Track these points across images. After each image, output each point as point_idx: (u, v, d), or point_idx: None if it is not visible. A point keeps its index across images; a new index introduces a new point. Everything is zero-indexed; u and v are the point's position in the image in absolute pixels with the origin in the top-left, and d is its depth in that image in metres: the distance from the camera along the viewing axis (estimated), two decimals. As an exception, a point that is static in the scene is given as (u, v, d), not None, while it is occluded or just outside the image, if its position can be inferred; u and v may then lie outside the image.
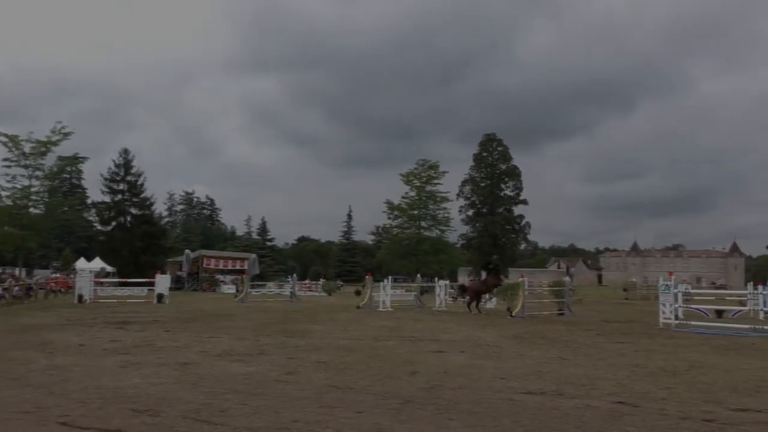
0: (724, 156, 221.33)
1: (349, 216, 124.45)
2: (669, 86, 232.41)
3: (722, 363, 10.09)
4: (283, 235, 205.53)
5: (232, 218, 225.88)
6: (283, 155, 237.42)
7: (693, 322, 17.24)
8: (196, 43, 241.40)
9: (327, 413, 6.08)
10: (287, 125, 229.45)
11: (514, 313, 21.13)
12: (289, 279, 38.24)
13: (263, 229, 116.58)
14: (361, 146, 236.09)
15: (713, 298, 24.01)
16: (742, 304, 20.96)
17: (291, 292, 34.84)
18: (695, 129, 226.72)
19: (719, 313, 20.42)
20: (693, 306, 19.54)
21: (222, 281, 52.71)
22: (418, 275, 36.03)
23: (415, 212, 71.25)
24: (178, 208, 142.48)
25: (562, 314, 22.40)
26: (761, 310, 17.13)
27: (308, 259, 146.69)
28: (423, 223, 71.60)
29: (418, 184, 70.92)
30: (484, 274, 25.20)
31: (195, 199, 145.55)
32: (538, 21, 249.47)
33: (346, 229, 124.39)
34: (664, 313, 17.47)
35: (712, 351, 11.85)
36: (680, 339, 14.19)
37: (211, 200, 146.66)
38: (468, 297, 24.67)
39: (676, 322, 17.12)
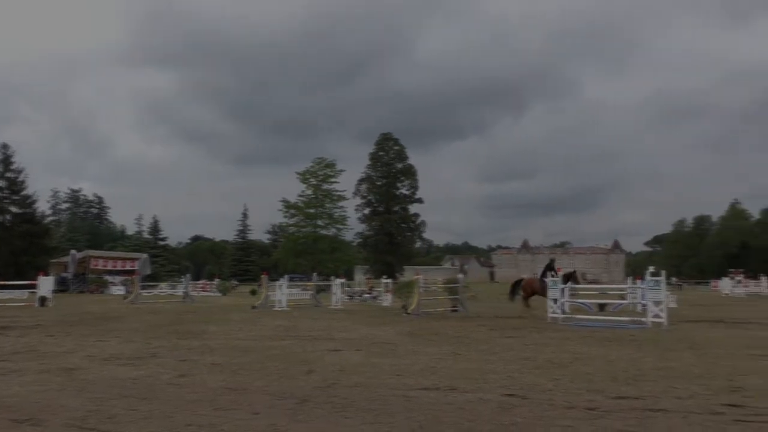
0: (609, 157, 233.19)
1: (245, 214, 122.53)
2: (559, 89, 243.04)
3: (604, 354, 10.62)
4: (176, 235, 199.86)
5: (123, 217, 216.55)
6: (176, 152, 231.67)
7: (578, 316, 18.04)
8: (86, 36, 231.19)
9: (222, 416, 5.98)
10: (181, 121, 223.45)
11: (409, 311, 21.43)
12: (183, 279, 37.25)
13: (155, 228, 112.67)
14: (258, 143, 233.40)
15: (597, 292, 25.18)
16: (623, 297, 22.07)
17: (184, 293, 33.96)
18: (582, 130, 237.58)
19: (602, 307, 21.45)
20: (578, 300, 20.41)
21: (111, 282, 50.70)
22: (315, 274, 35.96)
23: (312, 211, 71.13)
24: (63, 206, 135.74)
25: (456, 311, 22.90)
26: (639, 303, 18.10)
27: (203, 259, 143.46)
28: (319, 222, 71.59)
29: (315, 183, 70.83)
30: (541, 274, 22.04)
31: (82, 197, 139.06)
32: (436, 22, 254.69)
33: (241, 228, 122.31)
34: (551, 307, 18.21)
35: (595, 343, 12.44)
36: (566, 332, 14.81)
37: (100, 198, 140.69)
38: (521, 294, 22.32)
39: (563, 316, 17.87)
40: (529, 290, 21.98)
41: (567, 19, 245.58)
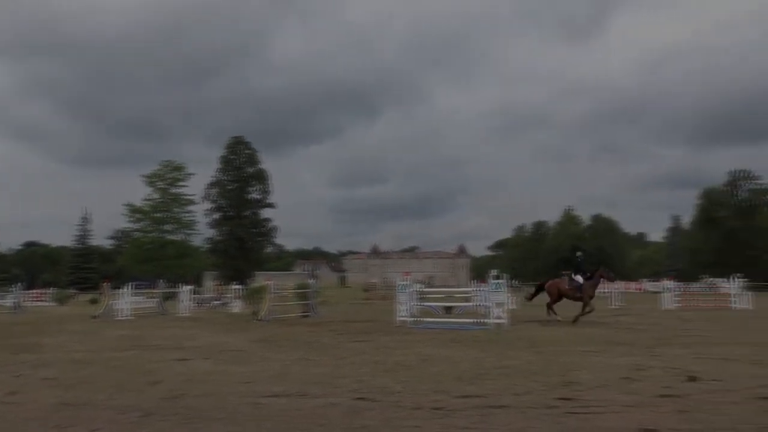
0: (456, 164, 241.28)
1: (85, 219, 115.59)
2: (411, 96, 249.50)
3: (450, 355, 11.02)
4: (7, 240, 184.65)
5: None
6: (5, 150, 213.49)
7: (426, 319, 18.57)
8: None
9: (57, 433, 5.63)
10: (11, 117, 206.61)
11: (260, 317, 21.17)
12: (13, 289, 34.61)
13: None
14: (100, 143, 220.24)
15: (443, 295, 26.06)
16: (467, 300, 22.97)
17: (14, 303, 31.59)
18: (432, 138, 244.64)
19: (448, 310, 22.22)
20: (426, 303, 21.02)
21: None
22: (162, 281, 34.67)
23: (159, 215, 68.52)
24: None
25: (307, 316, 22.88)
26: (483, 305, 18.93)
27: (37, 266, 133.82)
28: (167, 227, 69.08)
29: (163, 186, 68.29)
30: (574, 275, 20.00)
31: None
32: (292, 24, 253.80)
33: (81, 233, 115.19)
34: (400, 311, 18.64)
35: (441, 344, 12.87)
36: (415, 335, 15.22)
37: None
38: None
39: (412, 319, 18.33)
40: (555, 293, 20.05)
41: (420, 29, 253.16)
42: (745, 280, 28.44)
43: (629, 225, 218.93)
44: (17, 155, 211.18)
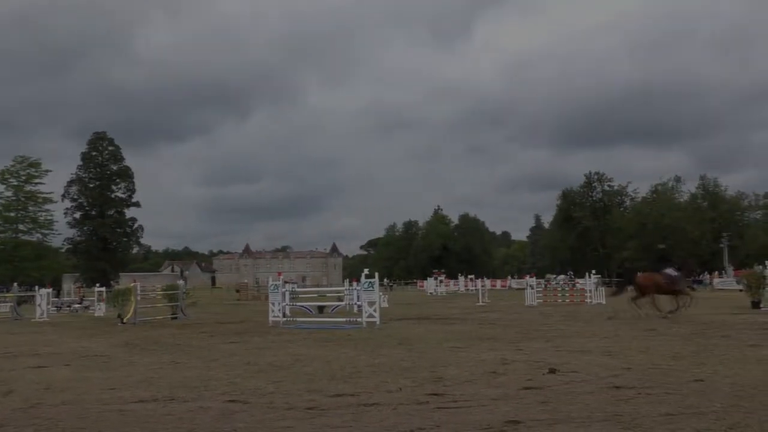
0: (328, 164, 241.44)
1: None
2: (282, 95, 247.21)
3: (323, 354, 11.04)
4: None
5: None
6: None
7: (299, 319, 18.51)
8: None
9: None
10: None
11: (125, 320, 20.33)
12: None
13: None
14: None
15: (316, 295, 26.08)
16: (340, 299, 23.10)
17: None
18: (306, 137, 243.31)
19: (321, 309, 22.28)
20: (299, 303, 20.96)
21: None
22: (15, 284, 32.54)
23: (12, 214, 64.36)
24: None
25: (176, 318, 22.24)
26: (355, 304, 19.10)
27: None
28: (22, 227, 65.11)
29: (16, 184, 64.21)
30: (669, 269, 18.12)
31: None
32: (157, 17, 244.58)
33: None
34: (273, 311, 18.48)
35: (314, 344, 12.88)
36: (288, 335, 15.13)
37: None
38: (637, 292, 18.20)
39: (284, 319, 18.23)
40: (651, 287, 17.95)
41: (293, 26, 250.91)
42: (599, 276, 30.38)
43: (495, 224, 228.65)
44: None
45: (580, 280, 31.79)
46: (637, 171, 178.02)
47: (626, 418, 5.57)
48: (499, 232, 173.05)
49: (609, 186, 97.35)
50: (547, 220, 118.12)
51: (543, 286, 39.04)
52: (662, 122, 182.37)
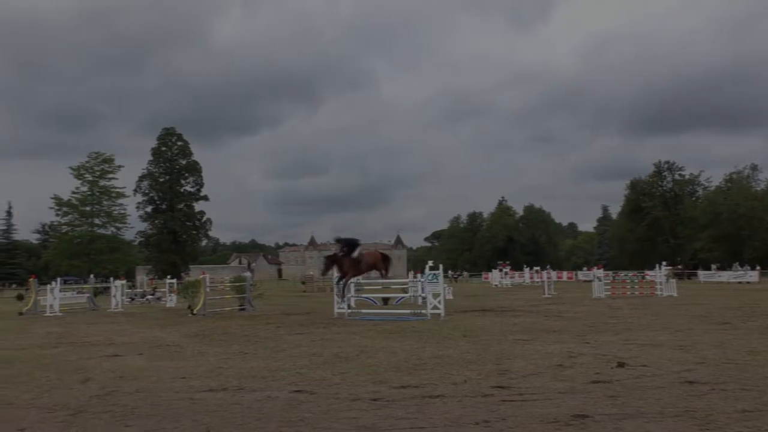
0: (395, 154, 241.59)
1: (9, 213, 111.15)
2: (352, 85, 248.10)
3: (387, 346, 11.08)
4: None
5: None
6: None
7: (364, 310, 18.63)
8: None
9: (-18, 435, 5.43)
10: None
11: (195, 311, 20.84)
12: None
13: None
14: (25, 133, 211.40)
15: (381, 287, 26.16)
16: (404, 291, 23.11)
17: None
18: (374, 127, 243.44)
19: (385, 301, 22.34)
20: (363, 295, 21.07)
21: None
22: (92, 276, 33.75)
23: (88, 209, 66.56)
24: None
25: (243, 309, 22.66)
26: (419, 296, 19.09)
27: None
28: (97, 220, 67.24)
29: (91, 179, 66.33)
30: None
31: None
32: (231, 8, 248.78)
33: (5, 228, 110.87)
34: (338, 303, 18.64)
35: (379, 335, 12.94)
36: (352, 327, 15.25)
37: None
38: None
39: (349, 311, 18.36)
40: None
41: (365, 14, 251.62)
42: (671, 268, 29.52)
43: (561, 215, 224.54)
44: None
45: (650, 272, 30.98)
46: (711, 158, 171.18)
47: (700, 414, 5.41)
48: (565, 223, 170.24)
49: (680, 175, 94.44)
50: (615, 210, 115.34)
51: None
52: (739, 107, 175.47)
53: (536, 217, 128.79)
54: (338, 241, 19.74)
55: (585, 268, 62.62)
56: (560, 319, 16.09)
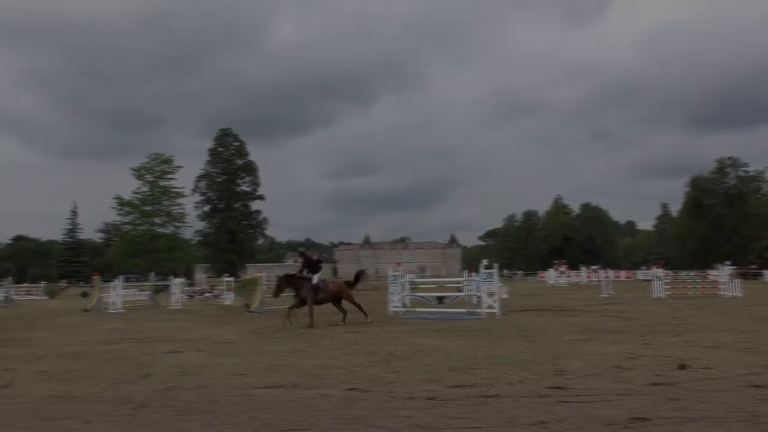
0: (449, 152, 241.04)
1: (74, 212, 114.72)
2: (406, 84, 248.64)
3: (442, 345, 11.05)
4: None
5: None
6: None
7: (418, 309, 18.61)
8: None
9: (49, 427, 5.63)
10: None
11: (252, 309, 21.16)
12: (3, 283, 34.48)
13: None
14: (88, 135, 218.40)
15: (435, 286, 26.11)
16: (459, 290, 23.01)
17: (5, 297, 31.49)
18: (427, 125, 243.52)
19: (440, 300, 22.29)
20: (418, 294, 21.06)
21: None
22: (152, 274, 34.58)
23: (148, 208, 68.12)
24: None
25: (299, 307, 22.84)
26: (474, 295, 18.99)
27: (26, 261, 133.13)
28: (157, 220, 68.71)
29: (151, 179, 67.89)
30: None
31: None
32: (286, 9, 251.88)
33: (70, 227, 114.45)
34: (393, 301, 18.68)
35: (433, 334, 12.91)
36: (407, 325, 15.25)
37: None
38: None
39: (404, 309, 18.38)
40: None
41: (418, 12, 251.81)
42: (734, 267, 28.62)
43: (618, 213, 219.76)
44: (5, 148, 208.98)
45: (713, 272, 30.12)
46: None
47: (767, 420, 5.24)
48: (623, 221, 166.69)
49: (744, 171, 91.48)
50: (674, 208, 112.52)
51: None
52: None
53: (593, 215, 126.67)
54: (302, 255, 18.06)
55: (644, 268, 61.02)
56: (618, 319, 15.77)
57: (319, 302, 16.47)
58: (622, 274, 61.16)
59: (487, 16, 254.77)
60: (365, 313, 16.41)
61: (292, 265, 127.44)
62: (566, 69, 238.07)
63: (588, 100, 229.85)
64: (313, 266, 16.80)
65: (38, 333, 15.27)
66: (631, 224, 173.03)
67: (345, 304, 16.92)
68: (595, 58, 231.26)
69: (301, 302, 16.35)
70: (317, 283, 16.43)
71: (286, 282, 16.76)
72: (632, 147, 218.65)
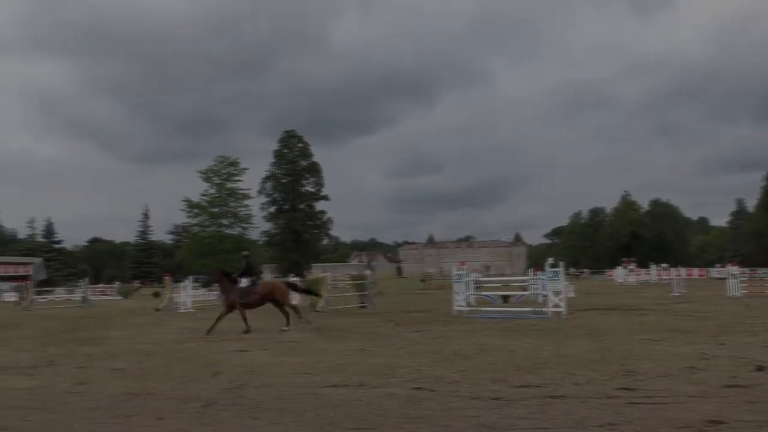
0: (512, 149, 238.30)
1: (146, 215, 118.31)
2: (468, 81, 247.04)
3: (507, 344, 10.93)
4: (72, 237, 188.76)
5: (13, 220, 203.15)
6: (70, 149, 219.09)
7: (483, 308, 18.47)
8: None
9: (123, 423, 5.80)
10: (74, 116, 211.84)
11: (317, 308, 21.38)
12: (80, 283, 35.83)
13: (49, 231, 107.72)
14: (158, 140, 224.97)
15: (500, 285, 25.87)
16: (524, 289, 22.72)
17: (82, 297, 32.71)
18: (490, 123, 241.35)
19: (505, 299, 22.04)
20: (482, 293, 20.89)
21: (2, 289, 48.21)
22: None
23: (216, 210, 69.74)
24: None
25: (364, 307, 23.02)
26: (540, 294, 18.72)
27: (102, 262, 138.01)
28: (224, 221, 70.27)
29: (219, 181, 69.45)
30: None
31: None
32: (349, 12, 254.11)
33: (142, 229, 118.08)
34: (457, 300, 18.58)
35: (498, 334, 12.78)
36: (472, 324, 15.14)
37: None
38: None
39: (468, 308, 18.26)
40: None
41: (479, 10, 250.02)
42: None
43: (690, 210, 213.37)
44: (81, 154, 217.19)
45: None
46: None
47: None
48: (694, 218, 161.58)
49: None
50: (751, 204, 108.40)
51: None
52: None
53: (663, 211, 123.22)
54: (245, 258, 17.44)
55: (718, 265, 59.06)
56: (691, 319, 15.29)
57: (250, 306, 15.77)
58: (695, 271, 59.41)
59: (550, 10, 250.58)
60: (288, 321, 15.39)
61: (356, 264, 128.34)
62: (632, 62, 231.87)
63: (656, 93, 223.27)
64: (246, 272, 16.24)
65: (113, 332, 15.79)
66: (703, 221, 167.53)
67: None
68: (662, 49, 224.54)
69: (228, 308, 15.70)
70: (244, 287, 15.72)
71: (218, 279, 16.50)
72: (704, 141, 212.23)
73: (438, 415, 5.76)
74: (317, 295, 17.93)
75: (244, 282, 15.82)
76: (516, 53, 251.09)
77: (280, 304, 15.91)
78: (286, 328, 14.81)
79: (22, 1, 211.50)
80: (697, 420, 5.26)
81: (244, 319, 15.18)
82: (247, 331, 14.65)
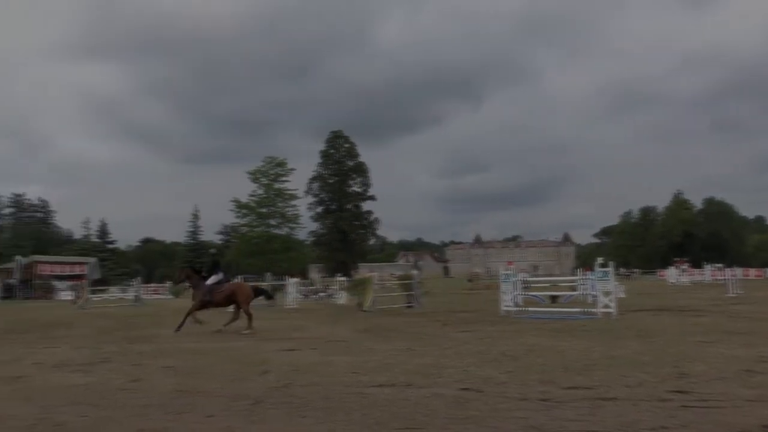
0: (561, 148, 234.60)
1: (195, 215, 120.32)
2: (516, 79, 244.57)
3: (556, 345, 10.78)
4: (125, 237, 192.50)
5: (69, 220, 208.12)
6: (123, 151, 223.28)
7: (531, 308, 18.27)
8: (24, 29, 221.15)
9: (175, 419, 5.90)
10: (127, 119, 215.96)
11: (364, 308, 21.45)
12: (133, 283, 36.64)
13: (103, 232, 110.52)
14: (207, 141, 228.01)
15: (548, 284, 25.57)
16: (573, 289, 22.41)
17: (135, 296, 33.44)
18: (538, 121, 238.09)
19: (553, 299, 21.78)
20: (530, 293, 20.67)
21: (58, 288, 49.62)
22: (269, 273, 35.72)
23: (264, 210, 70.66)
24: (6, 211, 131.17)
25: (411, 306, 22.99)
26: (589, 294, 18.44)
27: (154, 262, 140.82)
28: (272, 221, 71.15)
29: (266, 182, 70.34)
30: None
31: (25, 202, 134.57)
32: (395, 11, 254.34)
33: (192, 229, 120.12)
34: (504, 301, 18.43)
35: (547, 334, 12.62)
36: (519, 325, 15.00)
37: (44, 202, 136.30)
38: None
39: (516, 309, 18.09)
40: None
41: (526, 6, 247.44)
42: None
43: (747, 208, 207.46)
44: (133, 155, 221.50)
45: None
46: None
47: None
48: (752, 217, 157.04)
49: None
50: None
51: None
52: None
53: (717, 210, 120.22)
54: (212, 256, 17.55)
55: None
56: (748, 321, 14.86)
57: (214, 305, 15.89)
58: (752, 272, 57.87)
59: (598, 6, 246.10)
60: (251, 325, 15.17)
61: (403, 264, 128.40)
62: (685, 57, 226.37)
63: (709, 88, 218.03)
64: (213, 270, 16.30)
65: (164, 330, 16.07)
66: (760, 219, 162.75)
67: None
68: (716, 42, 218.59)
69: (200, 304, 15.80)
70: (211, 284, 15.78)
71: (187, 276, 16.65)
72: (760, 137, 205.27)
73: (485, 416, 5.72)
74: (271, 297, 18.10)
75: (211, 280, 15.97)
76: (564, 50, 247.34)
77: (239, 306, 15.90)
78: (246, 332, 14.66)
79: (80, 10, 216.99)
80: (755, 425, 5.11)
81: (191, 314, 15.60)
82: (180, 328, 15.18)
